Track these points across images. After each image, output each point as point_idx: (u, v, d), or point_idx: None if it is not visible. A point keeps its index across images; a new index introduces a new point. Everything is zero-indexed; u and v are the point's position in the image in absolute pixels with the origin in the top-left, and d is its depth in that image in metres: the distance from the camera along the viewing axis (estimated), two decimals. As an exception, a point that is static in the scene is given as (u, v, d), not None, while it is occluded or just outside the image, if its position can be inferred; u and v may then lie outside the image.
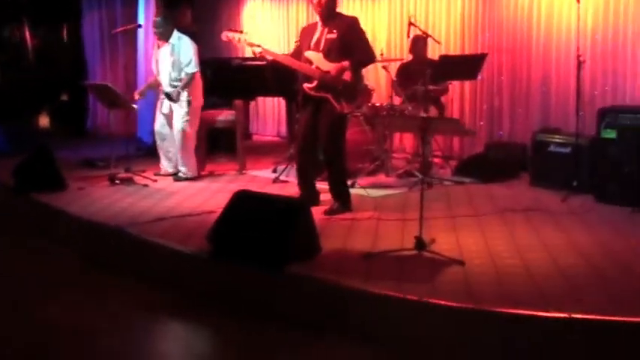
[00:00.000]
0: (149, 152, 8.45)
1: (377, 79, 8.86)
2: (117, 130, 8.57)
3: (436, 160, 7.99)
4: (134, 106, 7.45)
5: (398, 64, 8.05)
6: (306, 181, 6.18)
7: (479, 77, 7.89)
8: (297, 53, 6.04)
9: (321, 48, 5.85)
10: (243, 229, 4.74)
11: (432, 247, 4.80)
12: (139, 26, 8.69)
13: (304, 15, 10.07)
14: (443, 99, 7.97)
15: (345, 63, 5.77)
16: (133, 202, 6.53)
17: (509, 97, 8.06)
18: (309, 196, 6.12)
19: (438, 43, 7.80)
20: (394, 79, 7.65)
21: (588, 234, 5.22)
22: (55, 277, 5.36)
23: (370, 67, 7.79)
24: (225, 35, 6.04)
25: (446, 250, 4.79)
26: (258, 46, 6.00)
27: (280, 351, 4.11)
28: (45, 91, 11.23)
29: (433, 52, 7.90)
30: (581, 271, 4.43)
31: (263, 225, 4.65)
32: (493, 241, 5.08)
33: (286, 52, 7.39)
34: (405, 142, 8.67)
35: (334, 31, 5.81)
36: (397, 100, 7.71)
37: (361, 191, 6.68)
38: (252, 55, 6.27)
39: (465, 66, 7.43)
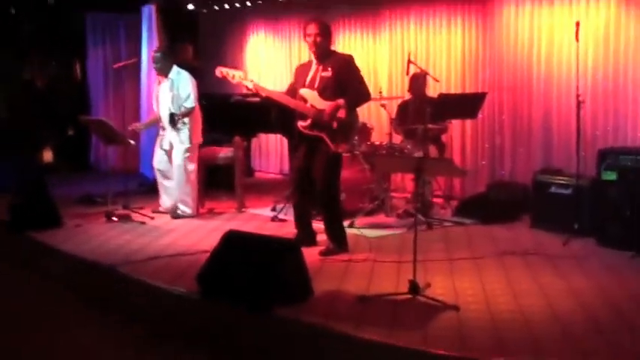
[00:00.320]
0: (151, 188, 8.40)
1: (378, 117, 8.82)
2: (117, 166, 8.56)
3: (437, 199, 7.89)
4: (131, 142, 7.42)
5: (398, 101, 8.00)
6: (302, 221, 6.12)
7: (479, 116, 7.82)
8: (292, 91, 5.98)
9: (315, 86, 5.81)
10: (231, 269, 4.69)
11: (427, 291, 4.73)
12: (138, 61, 8.71)
13: (306, 52, 10.04)
14: (443, 138, 7.90)
15: (340, 101, 5.72)
16: (129, 240, 6.49)
17: (510, 136, 7.99)
18: (306, 236, 6.07)
19: (437, 81, 7.74)
20: (393, 117, 7.60)
21: (587, 279, 5.09)
22: (37, 312, 5.27)
23: (370, 104, 7.79)
24: (219, 71, 6.01)
25: (441, 295, 4.70)
26: (251, 81, 5.95)
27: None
28: (51, 126, 11.26)
29: (434, 89, 7.86)
30: (578, 318, 4.31)
31: (251, 265, 4.58)
32: (490, 285, 4.98)
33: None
34: (406, 181, 8.59)
35: (329, 69, 5.78)
36: (398, 139, 7.65)
37: (356, 231, 6.59)
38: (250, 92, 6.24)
39: (465, 105, 7.36)
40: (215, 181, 8.53)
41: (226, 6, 10.73)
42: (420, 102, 7.46)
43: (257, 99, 7.60)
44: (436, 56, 8.62)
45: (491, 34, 8.08)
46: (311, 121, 5.78)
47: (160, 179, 7.61)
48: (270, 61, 10.74)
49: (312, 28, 5.82)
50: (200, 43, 11.14)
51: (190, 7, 10.80)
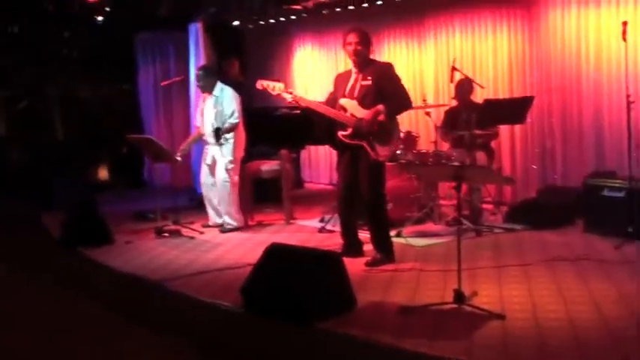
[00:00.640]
0: (201, 203, 8.45)
1: (425, 125, 8.73)
2: (170, 182, 8.67)
3: (487, 206, 7.75)
4: (178, 158, 7.49)
5: (444, 109, 7.91)
6: (348, 231, 6.08)
7: (528, 120, 7.67)
8: (332, 100, 5.96)
9: (355, 95, 5.79)
10: (274, 282, 4.68)
11: (474, 299, 4.63)
12: (186, 78, 8.83)
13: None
14: (493, 144, 7.76)
15: (380, 107, 5.67)
16: (177, 255, 6.55)
17: (561, 139, 7.81)
18: (352, 246, 6.03)
19: (482, 87, 7.63)
20: (437, 125, 7.51)
21: (640, 284, 4.93)
22: (79, 327, 5.29)
23: (418, 112, 7.71)
24: (260, 84, 6.05)
25: (487, 303, 4.60)
26: (290, 92, 5.95)
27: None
28: (106, 145, 11.53)
29: (481, 95, 7.74)
30: (628, 325, 4.16)
31: (293, 278, 4.58)
32: (538, 292, 4.86)
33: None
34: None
35: (369, 77, 5.75)
36: (445, 146, 7.55)
37: (403, 240, 6.52)
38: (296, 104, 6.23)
39: (511, 110, 7.18)
40: (263, 194, 8.55)
41: (272, 20, 10.80)
42: (466, 109, 7.36)
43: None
44: (482, 62, 8.52)
45: (537, 38, 7.95)
46: (352, 130, 5.75)
47: (205, 193, 7.68)
48: (316, 73, 10.76)
49: (352, 37, 5.82)
50: (247, 58, 11.22)
51: (236, 23, 10.89)
